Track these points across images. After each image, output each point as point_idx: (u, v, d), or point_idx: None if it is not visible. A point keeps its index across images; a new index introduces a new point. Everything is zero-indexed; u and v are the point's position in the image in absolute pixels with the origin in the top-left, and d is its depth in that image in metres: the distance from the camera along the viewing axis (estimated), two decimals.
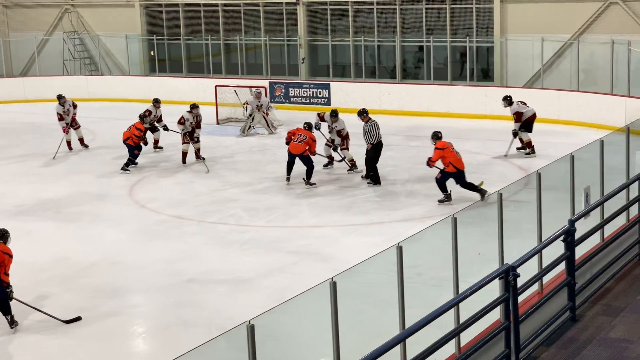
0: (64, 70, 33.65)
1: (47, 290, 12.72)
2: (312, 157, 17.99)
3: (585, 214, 10.70)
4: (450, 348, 8.47)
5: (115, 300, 12.32)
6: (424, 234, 9.64)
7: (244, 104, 24.47)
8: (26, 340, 11.09)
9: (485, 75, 27.26)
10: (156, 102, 21.89)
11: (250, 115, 23.88)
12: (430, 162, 16.32)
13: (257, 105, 23.84)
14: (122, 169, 19.74)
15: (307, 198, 17.09)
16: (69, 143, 22.45)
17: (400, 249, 7.84)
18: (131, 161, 19.89)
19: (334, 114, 19.24)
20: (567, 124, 23.31)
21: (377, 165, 17.81)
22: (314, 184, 17.84)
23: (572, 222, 10.19)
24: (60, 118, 22.25)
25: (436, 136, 16.48)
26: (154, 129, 21.87)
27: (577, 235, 10.25)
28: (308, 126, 18.51)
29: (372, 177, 17.81)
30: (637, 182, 11.98)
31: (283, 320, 8.77)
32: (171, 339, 10.94)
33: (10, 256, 11.42)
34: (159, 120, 21.89)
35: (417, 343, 7.82)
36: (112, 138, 23.41)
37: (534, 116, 19.94)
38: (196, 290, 12.55)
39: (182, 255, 14.07)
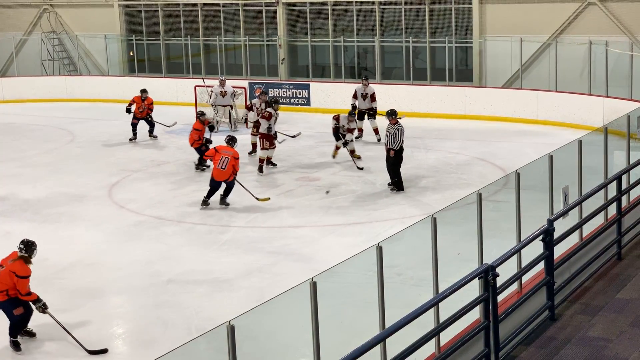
0: (42, 70, 33.49)
1: None
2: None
3: (564, 213, 10.73)
4: (430, 347, 8.47)
5: (94, 302, 12.27)
6: (403, 234, 9.64)
7: (210, 91, 24.61)
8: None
9: (464, 76, 27.34)
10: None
11: (213, 105, 24.00)
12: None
13: (221, 92, 23.92)
14: (197, 168, 19.71)
15: (287, 198, 17.08)
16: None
17: (380, 249, 7.84)
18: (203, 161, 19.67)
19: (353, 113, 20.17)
20: (545, 124, 23.42)
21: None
22: (229, 204, 16.64)
23: (550, 222, 10.22)
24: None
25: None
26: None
27: (556, 234, 10.28)
28: (230, 139, 16.92)
29: (395, 183, 17.29)
30: (615, 182, 12.03)
31: (263, 320, 8.74)
32: (151, 340, 10.92)
33: (22, 277, 10.61)
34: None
35: (397, 343, 7.82)
36: (92, 139, 23.36)
37: None
38: (175, 291, 12.52)
39: (161, 256, 14.04)
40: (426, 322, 8.34)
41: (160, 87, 29.79)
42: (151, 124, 23.58)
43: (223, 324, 6.42)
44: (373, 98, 22.19)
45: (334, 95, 26.98)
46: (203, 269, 13.37)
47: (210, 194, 16.53)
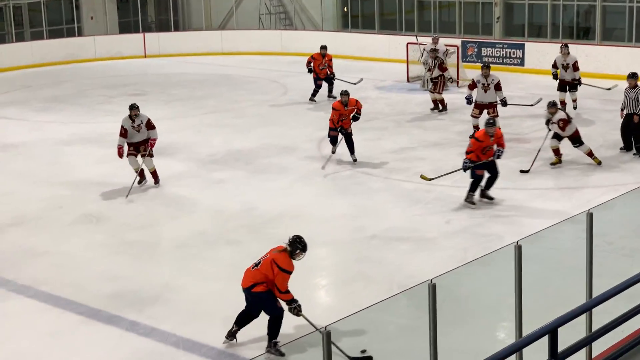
0: (259, 24, 34.35)
1: (235, 238, 13.09)
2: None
3: None
4: (637, 322, 8.13)
5: None
6: (615, 202, 9.27)
7: (422, 49, 24.32)
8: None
9: None
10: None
11: (424, 64, 23.29)
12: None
13: (432, 49, 23.47)
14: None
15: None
16: (139, 172, 15.58)
17: (590, 216, 7.56)
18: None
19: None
20: None
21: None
22: (493, 198, 14.27)
23: None
24: (123, 134, 15.48)
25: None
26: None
27: None
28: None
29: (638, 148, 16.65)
30: None
31: (465, 281, 8.67)
32: (352, 293, 11.04)
33: (283, 270, 9.18)
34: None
35: (603, 313, 7.54)
36: (304, 92, 23.74)
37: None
38: (379, 247, 12.59)
39: (367, 212, 14.13)
40: (636, 295, 7.98)
41: (373, 43, 29.93)
42: (330, 83, 23.10)
43: (424, 282, 6.38)
44: (575, 67, 20.39)
45: (549, 56, 26.11)
46: (407, 226, 13.36)
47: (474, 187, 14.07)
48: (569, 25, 28.21)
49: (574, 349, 6.85)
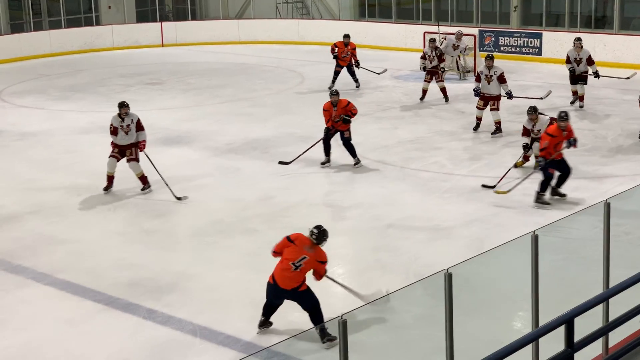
0: (276, 13, 34.33)
1: (252, 227, 13.12)
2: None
3: None
4: None
5: None
6: (634, 191, 9.24)
7: (442, 38, 24.16)
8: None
9: None
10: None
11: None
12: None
13: (454, 45, 23.50)
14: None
15: (511, 148, 16.73)
16: (109, 178, 14.90)
17: (607, 206, 7.54)
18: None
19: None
20: None
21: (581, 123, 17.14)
22: (564, 195, 13.64)
23: None
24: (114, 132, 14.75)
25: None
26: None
27: None
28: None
29: None
30: None
31: (481, 270, 8.66)
32: (368, 282, 11.03)
33: (326, 262, 9.49)
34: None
35: (620, 304, 7.53)
36: (321, 81, 23.74)
37: None
38: (395, 236, 12.59)
39: (383, 201, 14.14)
40: None
41: (389, 32, 29.89)
42: (352, 73, 23.16)
43: (441, 271, 6.38)
44: (590, 61, 19.71)
45: (567, 45, 26.01)
46: (423, 215, 13.36)
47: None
48: (587, 14, 28.05)
49: (590, 339, 6.85)
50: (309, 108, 21.17)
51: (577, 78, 20.09)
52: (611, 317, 7.58)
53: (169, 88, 24.14)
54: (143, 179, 14.85)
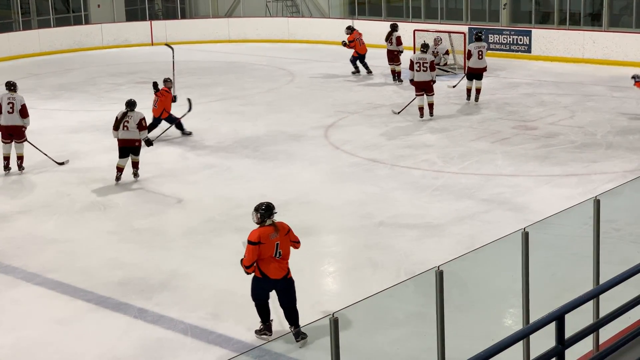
0: (266, 11, 34.31)
1: (243, 225, 13.07)
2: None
3: None
4: None
5: (307, 239, 12.51)
6: (623, 188, 9.26)
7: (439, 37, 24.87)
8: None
9: None
10: None
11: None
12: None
13: (434, 52, 23.87)
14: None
15: (502, 146, 16.77)
16: (5, 158, 16.01)
17: (597, 202, 7.55)
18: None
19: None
20: None
21: (577, 117, 17.20)
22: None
23: None
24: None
25: None
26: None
27: None
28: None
29: None
30: None
31: (472, 267, 8.67)
32: (360, 280, 11.05)
33: (289, 231, 9.65)
34: None
35: (611, 300, 7.55)
36: (311, 79, 23.75)
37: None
38: (386, 234, 12.60)
39: (374, 198, 14.14)
40: None
41: (378, 30, 29.84)
42: (362, 59, 24.50)
43: (432, 268, 6.39)
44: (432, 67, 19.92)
45: (556, 43, 26.16)
46: (415, 213, 13.38)
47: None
48: (576, 11, 28.10)
49: (581, 335, 6.87)
50: (299, 106, 21.18)
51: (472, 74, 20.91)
52: (601, 314, 7.60)
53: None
54: (122, 170, 15.29)
